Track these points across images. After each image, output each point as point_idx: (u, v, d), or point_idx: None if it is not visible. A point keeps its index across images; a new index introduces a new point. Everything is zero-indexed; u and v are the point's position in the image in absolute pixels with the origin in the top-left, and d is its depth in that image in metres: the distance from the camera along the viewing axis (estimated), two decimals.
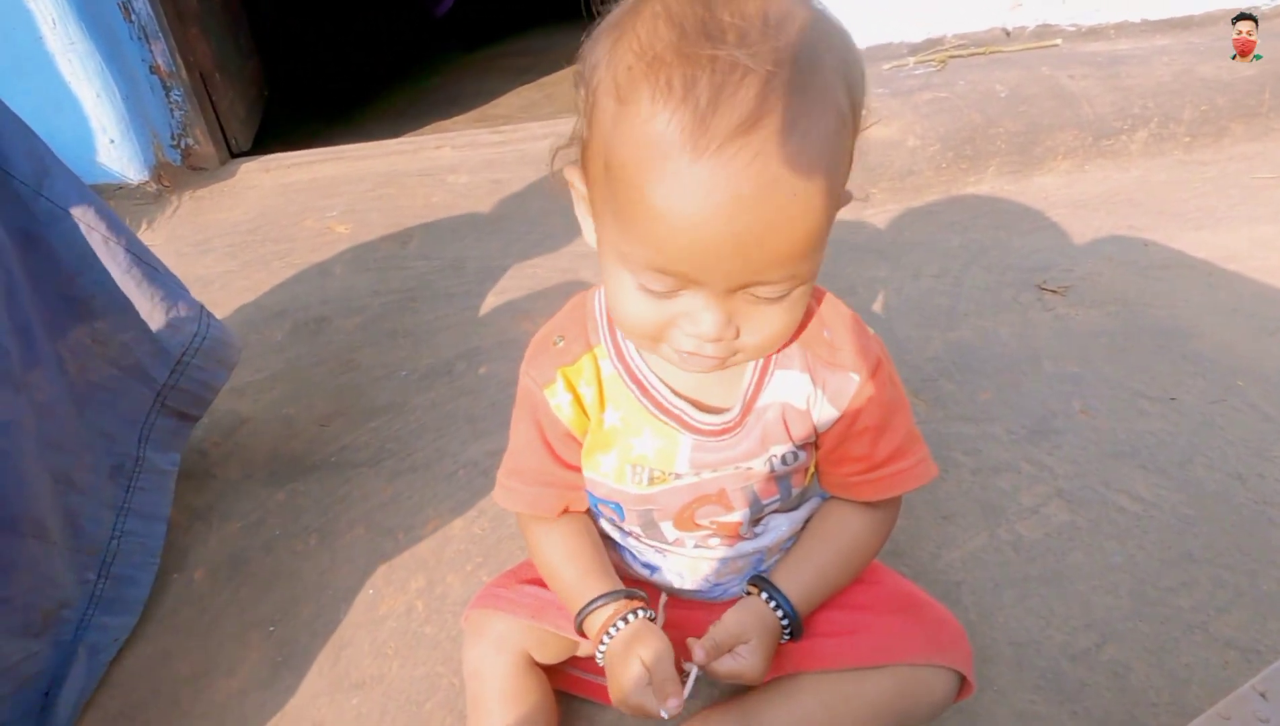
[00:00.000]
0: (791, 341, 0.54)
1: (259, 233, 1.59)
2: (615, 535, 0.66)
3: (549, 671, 0.65)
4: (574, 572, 0.60)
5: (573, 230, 1.53)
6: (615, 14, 0.42)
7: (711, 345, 0.44)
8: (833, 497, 0.61)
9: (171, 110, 1.69)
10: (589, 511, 0.64)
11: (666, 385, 0.54)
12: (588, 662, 0.68)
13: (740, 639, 0.54)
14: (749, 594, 0.58)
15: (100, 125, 1.55)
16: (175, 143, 1.72)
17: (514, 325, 1.28)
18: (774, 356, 0.54)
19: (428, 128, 2.30)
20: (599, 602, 0.57)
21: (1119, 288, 1.28)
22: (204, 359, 0.88)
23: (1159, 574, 0.79)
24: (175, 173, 1.73)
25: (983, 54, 1.89)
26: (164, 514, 0.86)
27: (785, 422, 0.55)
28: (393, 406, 1.12)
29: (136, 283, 0.82)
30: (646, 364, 0.55)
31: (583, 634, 0.59)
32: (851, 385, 0.54)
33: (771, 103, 0.36)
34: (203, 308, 0.89)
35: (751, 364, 0.54)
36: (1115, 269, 1.34)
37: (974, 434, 0.99)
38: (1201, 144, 1.76)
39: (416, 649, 0.76)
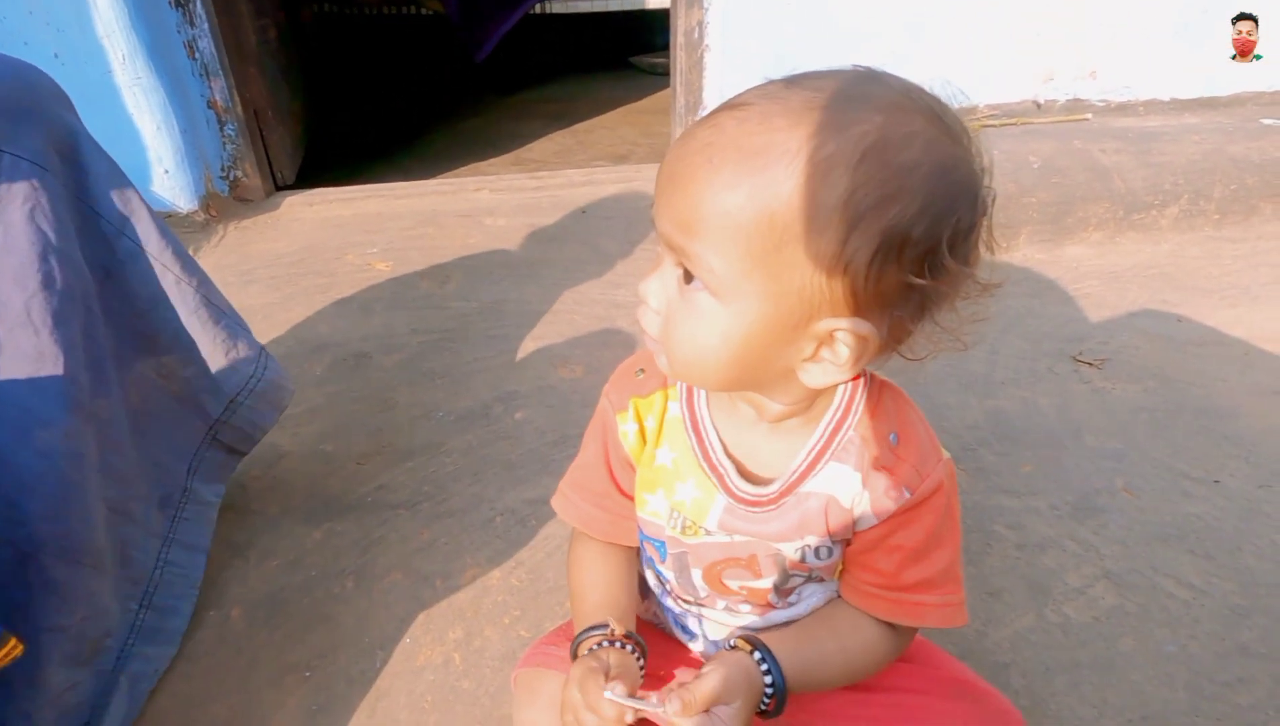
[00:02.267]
0: (870, 417, 0.54)
1: (302, 265, 1.62)
2: (657, 590, 0.65)
3: None
4: (595, 600, 0.60)
5: (610, 281, 1.57)
6: None
7: (647, 315, 0.48)
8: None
9: (224, 144, 1.74)
10: (639, 553, 0.64)
11: (721, 441, 0.54)
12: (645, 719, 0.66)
13: (722, 699, 0.49)
14: (735, 647, 0.54)
15: (157, 156, 1.60)
16: (225, 175, 1.77)
17: (551, 371, 1.29)
18: (833, 444, 0.53)
19: (465, 169, 2.36)
20: (592, 632, 0.56)
21: (1155, 363, 1.29)
22: (257, 399, 0.89)
23: (1215, 667, 0.77)
24: (223, 203, 1.78)
25: (1015, 124, 1.93)
26: (205, 545, 0.86)
27: (826, 515, 0.54)
28: (429, 447, 1.12)
29: (202, 323, 0.84)
30: (709, 415, 0.55)
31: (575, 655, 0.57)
32: (900, 499, 0.52)
33: (770, 106, 0.42)
34: (262, 349, 0.91)
35: (808, 444, 0.54)
36: (1150, 343, 1.35)
37: (1017, 508, 0.98)
38: (1231, 221, 1.78)
39: (455, 703, 0.75)
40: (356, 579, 0.90)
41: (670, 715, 0.48)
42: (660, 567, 0.62)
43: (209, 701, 0.76)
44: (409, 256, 1.66)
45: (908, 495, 0.52)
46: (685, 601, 0.63)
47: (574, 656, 0.57)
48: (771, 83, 0.43)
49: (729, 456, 0.54)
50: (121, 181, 0.77)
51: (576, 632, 0.58)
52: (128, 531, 0.74)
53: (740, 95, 0.44)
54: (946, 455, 0.54)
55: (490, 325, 1.43)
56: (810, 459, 0.53)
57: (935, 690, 0.60)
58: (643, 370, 0.58)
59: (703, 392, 0.56)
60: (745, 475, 0.54)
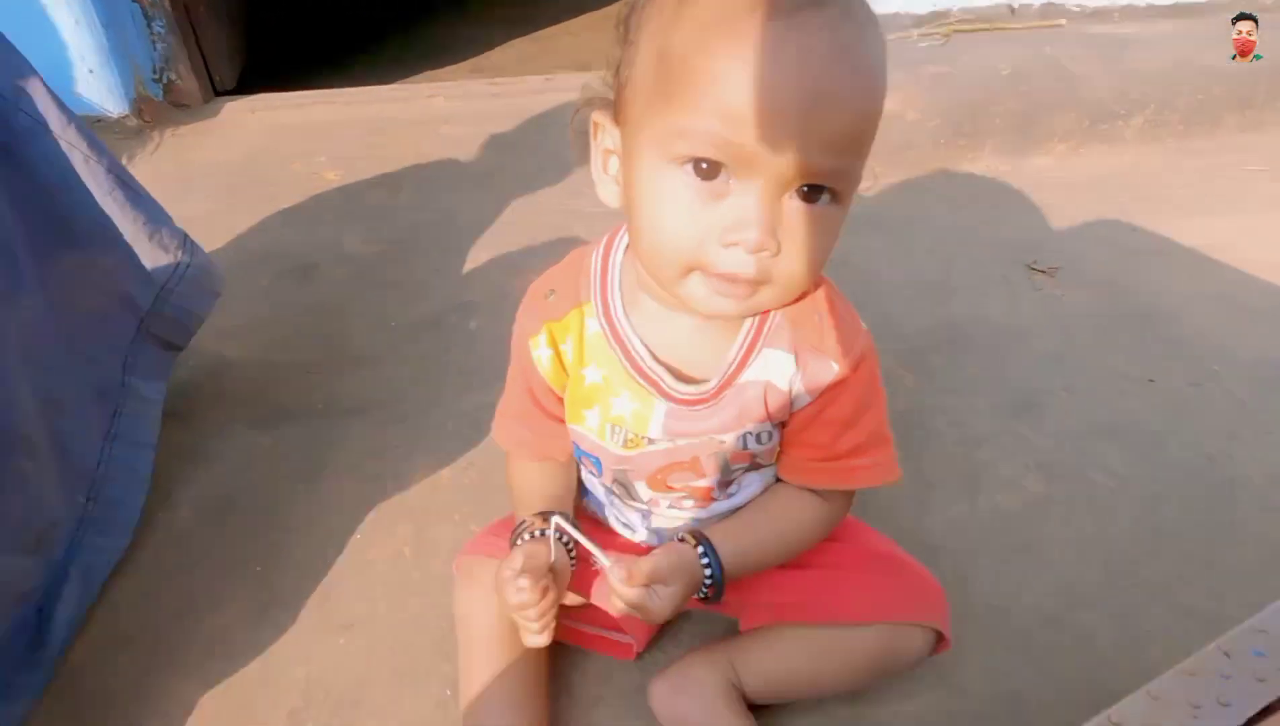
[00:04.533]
0: (802, 299, 0.54)
1: (245, 174, 1.55)
2: (599, 493, 0.67)
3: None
4: (534, 495, 0.62)
5: (568, 189, 1.52)
6: None
7: (752, 261, 0.43)
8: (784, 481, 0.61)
9: (154, 42, 1.62)
10: (576, 462, 0.65)
11: (648, 349, 0.54)
12: (576, 611, 0.69)
13: (661, 580, 0.52)
14: (682, 541, 0.56)
15: (79, 54, 1.49)
16: (157, 76, 1.66)
17: (506, 281, 1.27)
18: (763, 332, 0.54)
19: (420, 76, 2.24)
20: (530, 520, 0.58)
21: (1107, 270, 1.30)
22: (188, 286, 0.87)
23: (1129, 545, 0.82)
24: (157, 108, 1.68)
25: (987, 29, 1.87)
26: (151, 442, 0.85)
27: (765, 402, 0.55)
28: (381, 357, 1.11)
29: (119, 205, 0.80)
30: (631, 326, 0.54)
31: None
32: (830, 373, 0.53)
33: None
34: (186, 235, 0.88)
35: (739, 338, 0.54)
36: (1105, 252, 1.36)
37: (959, 406, 1.00)
38: (1196, 132, 1.77)
39: (405, 593, 0.77)
40: (306, 482, 0.90)
41: (613, 578, 0.50)
42: (599, 480, 0.63)
43: (160, 595, 0.77)
44: (359, 166, 1.59)
45: (836, 368, 0.53)
46: (627, 503, 0.64)
47: (513, 541, 0.58)
48: None
49: (659, 362, 0.54)
50: (11, 53, 0.71)
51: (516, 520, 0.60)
52: (62, 423, 0.73)
53: None
54: (865, 327, 0.55)
55: (444, 235, 1.39)
56: (745, 349, 0.54)
57: (863, 565, 0.64)
58: (553, 292, 0.57)
59: (619, 305, 0.55)
60: (680, 377, 0.54)
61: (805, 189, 0.43)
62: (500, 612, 0.63)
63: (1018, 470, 0.91)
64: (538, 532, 0.57)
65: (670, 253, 0.46)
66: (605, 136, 0.49)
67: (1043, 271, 1.30)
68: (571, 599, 0.66)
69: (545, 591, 0.52)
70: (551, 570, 0.54)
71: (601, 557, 0.51)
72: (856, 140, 0.42)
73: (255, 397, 1.03)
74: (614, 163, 0.49)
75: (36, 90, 0.74)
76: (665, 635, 0.72)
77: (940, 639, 0.62)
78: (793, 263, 0.45)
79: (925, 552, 0.80)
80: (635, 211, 0.47)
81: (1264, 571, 0.78)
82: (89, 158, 0.77)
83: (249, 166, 1.58)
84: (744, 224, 0.42)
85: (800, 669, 0.61)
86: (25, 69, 0.73)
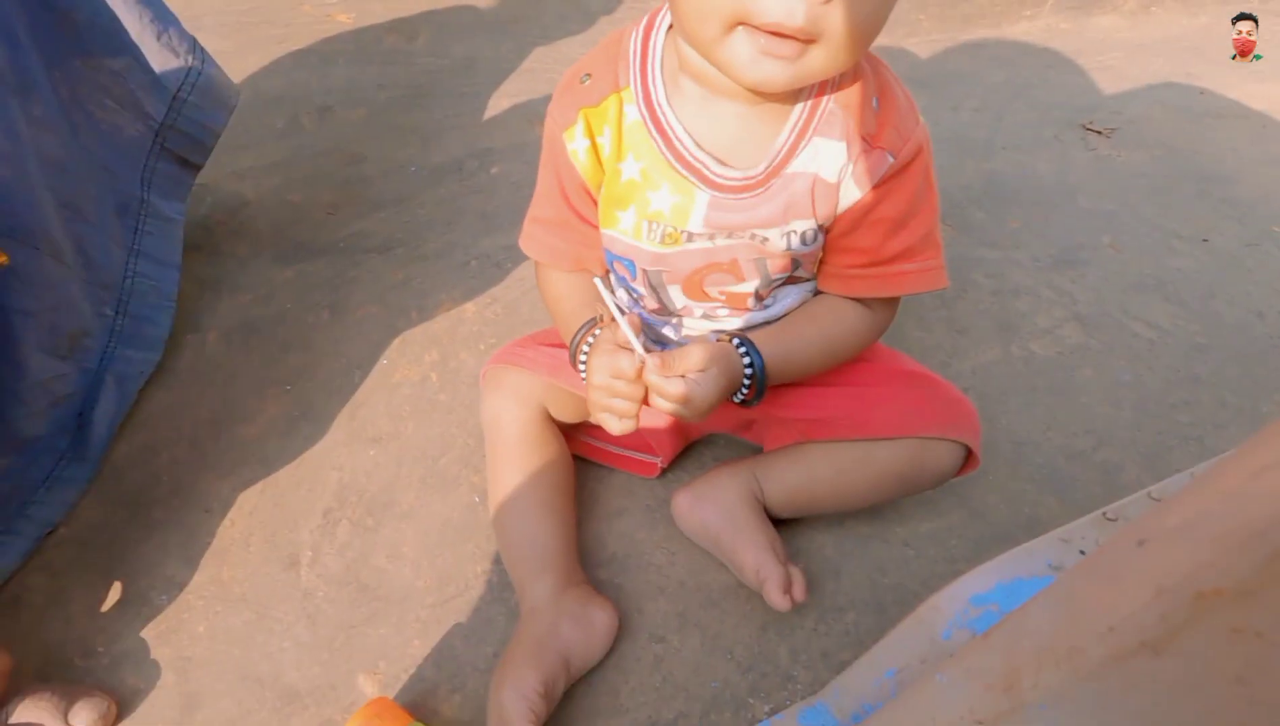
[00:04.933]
0: (847, 85, 0.50)
1: (254, 13, 1.46)
2: (627, 303, 0.65)
3: (565, 438, 0.67)
4: (574, 304, 0.60)
5: (591, 38, 1.43)
6: None
7: (802, 9, 0.40)
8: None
9: None
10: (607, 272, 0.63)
11: (691, 137, 0.51)
12: (602, 430, 0.69)
13: (696, 366, 0.51)
14: (719, 340, 0.55)
15: None
16: None
17: (528, 128, 1.22)
18: (815, 118, 0.50)
19: None
20: (584, 329, 0.57)
21: (1167, 132, 1.22)
22: (200, 97, 0.83)
23: (1164, 392, 0.80)
24: None
25: None
26: (175, 261, 0.84)
27: (813, 196, 0.52)
28: (402, 199, 1.08)
29: (124, 0, 0.76)
30: (674, 112, 0.51)
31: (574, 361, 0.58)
32: (884, 166, 0.50)
33: None
34: (195, 40, 0.83)
35: (790, 123, 0.50)
36: (1165, 114, 1.27)
37: (998, 258, 0.97)
38: None
39: (431, 412, 0.78)
40: (331, 311, 0.90)
41: (649, 371, 0.49)
42: (631, 284, 0.61)
43: (194, 407, 0.79)
44: (372, 8, 1.50)
45: (891, 160, 0.50)
46: (659, 313, 0.62)
47: (573, 359, 0.58)
48: None
49: (704, 150, 0.51)
50: None
51: (567, 339, 0.59)
52: (82, 228, 0.72)
53: None
54: (923, 120, 0.51)
55: (462, 82, 1.32)
56: (795, 135, 0.50)
57: (891, 382, 0.62)
58: (589, 75, 0.52)
59: (661, 88, 0.51)
60: (724, 165, 0.51)
61: None
62: (529, 417, 0.64)
63: (1055, 320, 0.88)
64: (594, 336, 0.55)
65: (708, 16, 0.42)
66: None
67: (1098, 131, 1.22)
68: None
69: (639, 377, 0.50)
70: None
71: (638, 347, 0.50)
72: None
73: (276, 234, 1.02)
74: None
75: None
76: (689, 457, 0.73)
77: (969, 457, 0.61)
78: (844, 12, 0.41)
79: None
80: None
81: None
82: None
83: (258, 6, 1.49)
84: None
85: (824, 480, 0.61)
86: None
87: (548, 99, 1.38)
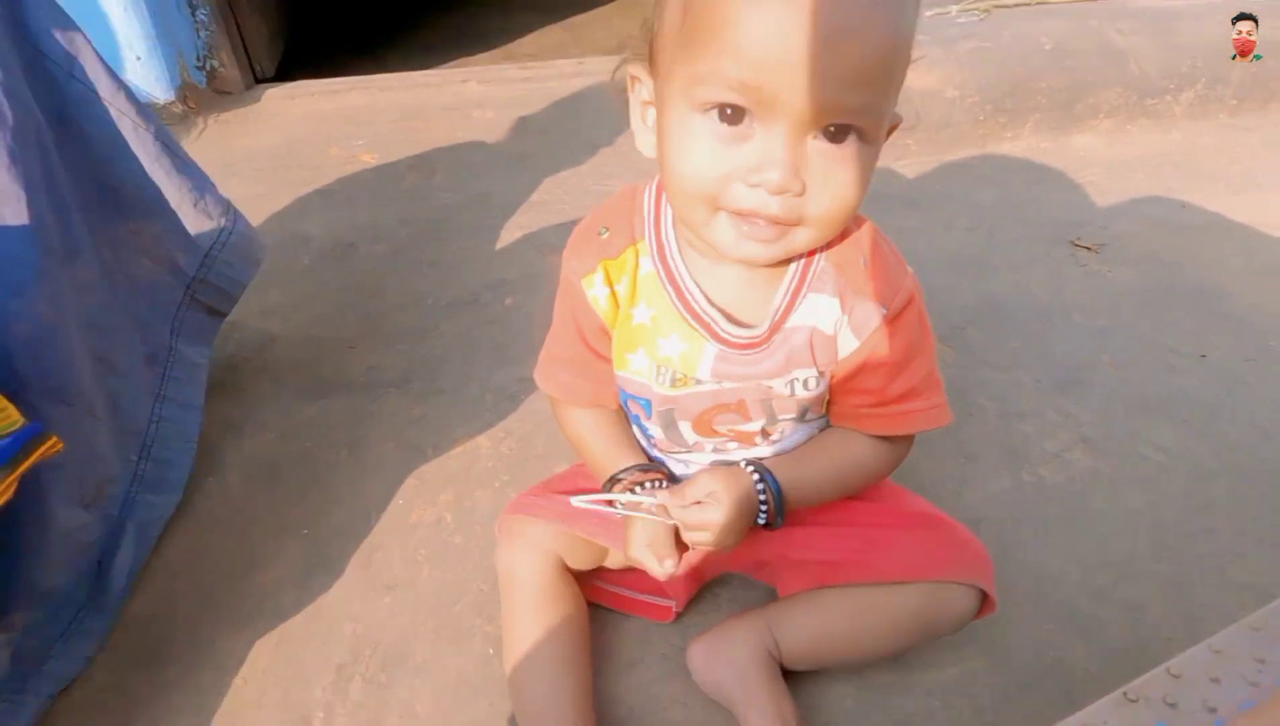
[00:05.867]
0: (835, 244, 0.53)
1: (285, 159, 1.58)
2: (642, 444, 0.67)
3: (579, 583, 0.67)
4: (602, 444, 0.62)
5: (599, 171, 1.53)
6: None
7: (776, 201, 0.43)
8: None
9: (197, 30, 1.66)
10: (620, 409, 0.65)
11: (701, 291, 0.54)
12: (616, 575, 0.70)
13: (705, 489, 0.54)
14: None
15: (126, 41, 1.53)
16: (201, 64, 1.70)
17: (540, 259, 1.28)
18: (808, 277, 0.54)
19: (453, 63, 2.26)
20: (631, 470, 0.59)
21: (1154, 247, 1.27)
22: (231, 254, 0.89)
23: (1180, 520, 0.80)
24: (200, 95, 1.72)
25: (1029, 4, 1.82)
26: (198, 403, 0.88)
27: (812, 347, 0.55)
28: (419, 332, 1.12)
29: (166, 172, 0.82)
30: (685, 266, 0.55)
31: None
32: (877, 317, 0.53)
33: None
34: (229, 202, 0.90)
35: (785, 282, 0.54)
36: (1151, 229, 1.32)
37: (1001, 381, 0.99)
38: (1248, 108, 1.71)
39: (446, 556, 0.78)
40: (350, 449, 0.92)
41: (671, 509, 0.52)
42: (645, 423, 0.63)
43: (212, 554, 0.80)
44: (394, 149, 1.62)
45: (883, 311, 0.53)
46: (671, 451, 0.64)
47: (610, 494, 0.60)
48: None
49: (713, 305, 0.54)
50: (64, 19, 0.74)
51: (602, 478, 0.61)
52: (115, 382, 0.76)
53: None
54: (911, 270, 0.54)
55: (478, 216, 1.40)
56: (791, 293, 0.54)
57: (901, 523, 0.63)
58: (607, 229, 0.56)
59: (674, 244, 0.55)
60: (732, 321, 0.54)
61: (831, 129, 0.42)
62: (544, 569, 0.64)
63: (1062, 444, 0.89)
64: (639, 488, 0.58)
65: (695, 191, 0.46)
66: (642, 88, 0.49)
67: (1087, 247, 1.27)
68: (613, 560, 0.67)
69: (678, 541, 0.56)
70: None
71: (650, 501, 0.52)
72: (880, 75, 0.41)
73: (300, 370, 1.05)
74: (651, 114, 0.50)
75: (88, 57, 0.76)
76: (704, 600, 0.72)
77: (985, 600, 0.61)
78: (821, 203, 0.45)
79: (967, 524, 0.79)
80: (665, 156, 0.47)
81: None
82: (138, 125, 0.80)
83: (289, 151, 1.61)
84: (767, 165, 0.42)
85: (840, 629, 0.61)
86: (77, 36, 0.75)
87: (557, 229, 1.45)
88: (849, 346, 0.55)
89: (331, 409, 0.99)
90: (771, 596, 0.68)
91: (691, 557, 0.62)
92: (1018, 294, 1.16)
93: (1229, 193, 1.43)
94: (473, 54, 2.39)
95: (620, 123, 1.75)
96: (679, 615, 0.69)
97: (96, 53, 0.76)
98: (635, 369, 0.58)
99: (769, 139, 0.42)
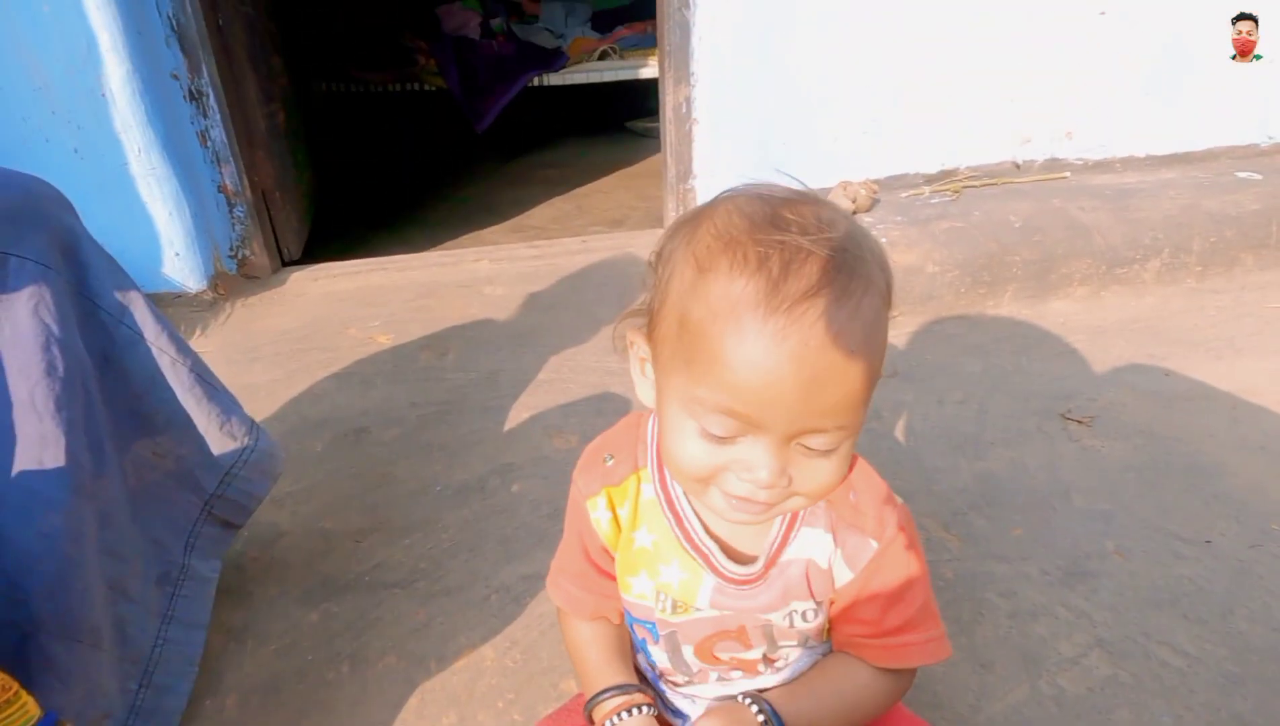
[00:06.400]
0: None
1: (306, 341, 1.66)
2: (648, 675, 0.66)
3: None
4: (594, 658, 0.63)
5: (603, 347, 1.60)
6: (691, 212, 0.50)
7: (765, 491, 0.47)
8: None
9: (233, 225, 1.81)
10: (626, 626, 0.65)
11: (701, 521, 0.56)
12: None
13: None
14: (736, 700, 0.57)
15: (168, 240, 1.67)
16: (233, 254, 1.83)
17: (546, 442, 1.31)
18: (800, 513, 0.56)
19: (466, 237, 2.44)
20: (609, 693, 0.59)
21: (1143, 419, 1.30)
22: (250, 470, 0.92)
23: None
24: (230, 281, 1.84)
25: (995, 185, 1.99)
26: (204, 621, 0.87)
27: (808, 579, 0.56)
28: (426, 523, 1.14)
29: (197, 400, 0.87)
30: (685, 497, 0.57)
31: (591, 719, 0.60)
32: (869, 550, 0.55)
33: (831, 278, 0.44)
34: (254, 423, 0.94)
35: (779, 518, 0.56)
36: (1138, 399, 1.36)
37: (1008, 574, 0.98)
38: (1214, 273, 1.82)
39: None
40: (351, 663, 0.91)
41: None
42: (651, 649, 0.63)
43: None
44: (409, 328, 1.71)
45: (874, 545, 0.55)
46: (675, 683, 0.64)
47: (588, 717, 0.60)
48: (782, 239, 0.44)
49: (711, 537, 0.56)
50: (119, 275, 0.82)
51: (586, 689, 0.62)
52: (126, 609, 0.76)
53: (781, 262, 0.44)
54: (900, 501, 0.57)
55: (487, 396, 1.46)
56: (785, 529, 0.56)
57: None
58: (611, 456, 0.60)
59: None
60: (729, 554, 0.56)
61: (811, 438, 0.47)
62: None
63: (1079, 649, 0.87)
64: (628, 714, 0.58)
65: (688, 473, 0.50)
66: (640, 348, 0.54)
67: (1078, 421, 1.30)
68: None
69: None
70: None
71: None
72: (855, 403, 0.46)
73: (306, 569, 1.06)
74: (649, 368, 0.54)
75: (137, 305, 0.83)
76: None
77: None
78: (807, 489, 0.48)
79: None
80: (662, 434, 0.52)
81: None
82: (176, 361, 0.86)
83: (309, 332, 1.70)
84: (753, 467, 0.46)
85: None
86: (129, 286, 0.84)
87: (563, 409, 1.50)
88: (844, 578, 0.56)
89: (335, 613, 0.98)
90: None
91: None
92: (1015, 473, 1.18)
93: (1209, 359, 1.48)
94: (485, 226, 2.57)
95: (622, 300, 1.85)
96: None
97: (147, 300, 0.83)
98: (639, 593, 0.60)
99: (754, 446, 0.46)
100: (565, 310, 1.78)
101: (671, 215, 2.11)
